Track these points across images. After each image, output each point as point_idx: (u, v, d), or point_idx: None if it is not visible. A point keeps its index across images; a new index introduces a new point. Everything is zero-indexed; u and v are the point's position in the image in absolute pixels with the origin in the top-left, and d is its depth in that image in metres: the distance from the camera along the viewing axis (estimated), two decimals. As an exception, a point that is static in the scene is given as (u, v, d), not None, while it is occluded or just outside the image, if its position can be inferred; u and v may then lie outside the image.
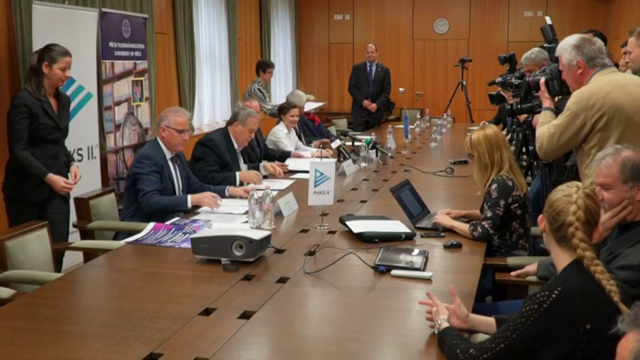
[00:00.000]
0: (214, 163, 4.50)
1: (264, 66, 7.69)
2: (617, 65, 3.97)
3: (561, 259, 1.90)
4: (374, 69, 8.90)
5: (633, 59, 3.56)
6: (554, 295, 1.78)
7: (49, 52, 3.89)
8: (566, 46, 3.09)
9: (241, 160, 4.77)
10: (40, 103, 3.85)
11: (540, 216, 1.98)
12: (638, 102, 2.97)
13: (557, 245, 1.91)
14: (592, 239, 1.90)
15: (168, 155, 3.91)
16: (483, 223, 3.14)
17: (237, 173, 4.45)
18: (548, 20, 3.92)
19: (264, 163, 5.03)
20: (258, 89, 7.42)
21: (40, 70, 3.88)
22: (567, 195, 1.90)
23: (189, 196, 3.78)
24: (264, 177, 4.71)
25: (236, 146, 4.66)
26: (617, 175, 2.27)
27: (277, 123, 6.19)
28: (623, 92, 2.95)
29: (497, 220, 3.15)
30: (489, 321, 2.10)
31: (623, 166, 2.26)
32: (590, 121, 2.97)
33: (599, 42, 3.11)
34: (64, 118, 4.06)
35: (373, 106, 8.80)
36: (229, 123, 4.71)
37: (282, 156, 5.54)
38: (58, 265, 3.52)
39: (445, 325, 2.00)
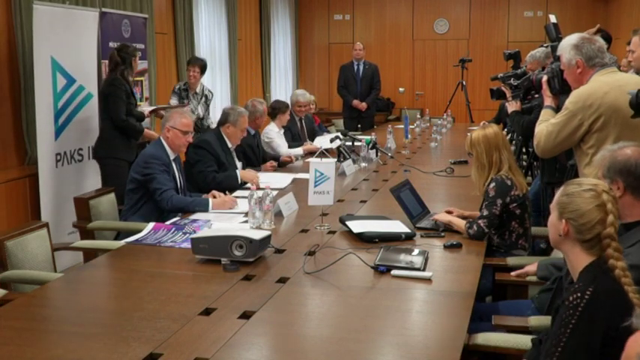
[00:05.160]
0: (213, 164, 4.51)
1: (188, 62, 6.38)
2: (618, 66, 3.97)
3: (582, 259, 1.87)
4: (361, 67, 8.69)
5: (636, 58, 3.55)
6: (587, 296, 1.74)
7: (132, 51, 5.05)
8: (566, 45, 3.10)
9: (236, 159, 4.77)
10: (131, 88, 5.06)
11: (563, 222, 1.89)
12: None
13: (581, 250, 1.87)
14: None
15: (172, 156, 3.92)
16: (479, 221, 3.14)
17: (238, 172, 4.47)
18: (553, 19, 3.90)
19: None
20: (178, 89, 6.27)
21: (132, 64, 5.03)
22: (600, 205, 1.85)
23: (210, 200, 3.79)
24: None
25: (229, 145, 4.67)
26: (601, 170, 2.29)
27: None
28: (621, 93, 2.95)
29: (493, 219, 3.15)
30: None
31: (605, 162, 2.28)
32: (588, 121, 2.97)
33: (599, 41, 3.11)
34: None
35: (363, 105, 8.54)
36: (221, 123, 4.70)
37: (275, 159, 5.55)
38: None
39: None
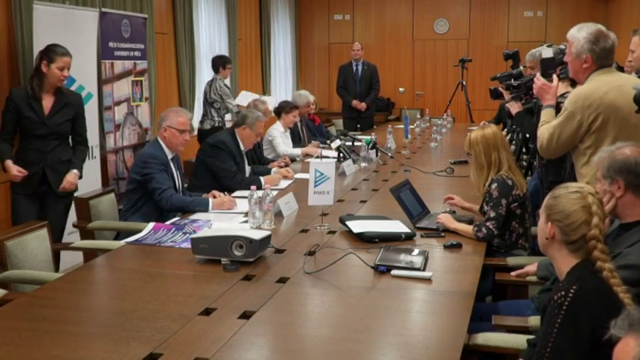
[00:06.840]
0: (233, 163, 4.51)
1: (225, 61, 7.08)
2: (619, 67, 3.96)
3: (568, 261, 1.88)
4: (360, 67, 8.67)
5: (636, 58, 3.54)
6: (571, 294, 1.74)
7: (48, 52, 3.99)
8: (580, 37, 3.02)
9: (246, 162, 4.77)
10: (27, 100, 3.96)
11: (549, 224, 1.91)
12: None
13: (568, 253, 1.88)
14: None
15: (170, 155, 3.92)
16: (487, 223, 3.14)
17: (262, 179, 4.35)
18: (548, 53, 3.37)
19: (275, 169, 5.03)
20: (225, 85, 7.00)
21: (39, 70, 3.99)
22: (585, 206, 1.86)
23: (210, 200, 3.79)
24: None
25: (242, 147, 4.66)
26: (600, 170, 2.30)
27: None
28: (619, 93, 2.94)
29: (501, 220, 3.14)
30: None
31: (604, 162, 2.28)
32: (587, 121, 2.97)
33: (611, 38, 3.04)
34: (58, 116, 4.05)
35: (362, 105, 8.51)
36: (237, 125, 4.68)
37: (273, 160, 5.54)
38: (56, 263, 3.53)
39: None
